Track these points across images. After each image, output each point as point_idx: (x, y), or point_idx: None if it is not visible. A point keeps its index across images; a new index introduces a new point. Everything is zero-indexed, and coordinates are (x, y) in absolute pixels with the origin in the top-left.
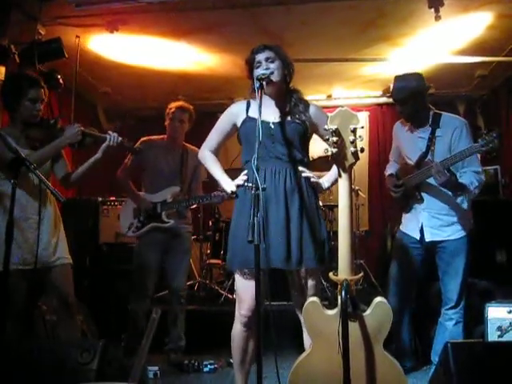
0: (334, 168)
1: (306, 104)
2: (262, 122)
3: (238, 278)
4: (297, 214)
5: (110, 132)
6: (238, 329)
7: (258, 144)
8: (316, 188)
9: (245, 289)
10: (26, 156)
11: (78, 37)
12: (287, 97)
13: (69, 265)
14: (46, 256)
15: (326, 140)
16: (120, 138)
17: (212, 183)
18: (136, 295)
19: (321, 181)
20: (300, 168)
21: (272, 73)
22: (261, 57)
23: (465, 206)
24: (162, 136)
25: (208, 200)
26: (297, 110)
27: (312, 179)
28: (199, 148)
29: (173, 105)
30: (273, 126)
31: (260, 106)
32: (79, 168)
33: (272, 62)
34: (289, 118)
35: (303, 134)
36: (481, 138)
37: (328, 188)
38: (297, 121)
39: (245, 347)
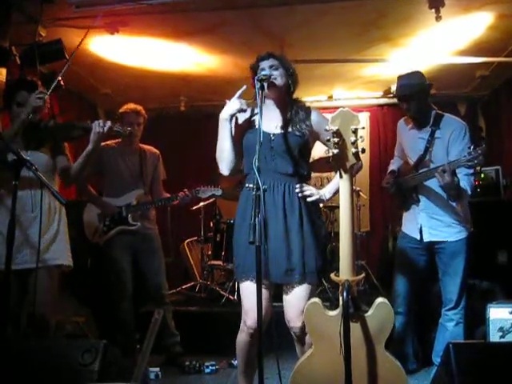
0: (335, 178)
1: (308, 111)
2: (263, 132)
3: (242, 288)
4: (296, 229)
5: (96, 121)
6: (243, 338)
7: (258, 145)
8: (317, 202)
9: (250, 299)
10: None
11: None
12: (289, 106)
13: (58, 267)
14: (34, 255)
15: (329, 141)
16: (108, 123)
17: (171, 182)
18: (117, 298)
19: (322, 192)
20: (297, 187)
21: (275, 78)
22: (265, 64)
23: (461, 207)
24: (116, 140)
25: (173, 201)
26: (297, 118)
27: (309, 199)
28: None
29: (126, 108)
30: (273, 138)
31: (261, 108)
32: (75, 162)
33: (276, 69)
34: (290, 129)
35: (303, 147)
36: (467, 153)
37: (330, 199)
38: (297, 133)
39: (250, 355)
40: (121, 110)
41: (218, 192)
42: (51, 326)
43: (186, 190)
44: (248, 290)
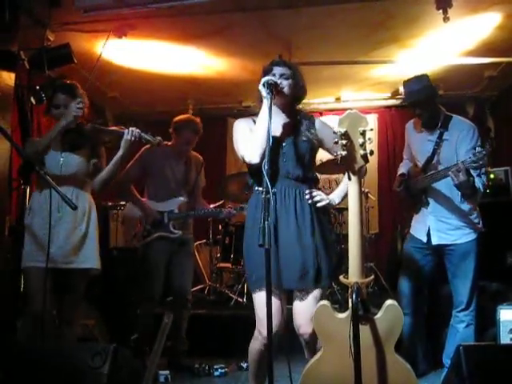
0: (343, 183)
1: (311, 120)
2: (274, 137)
3: (256, 298)
4: (309, 234)
5: (130, 127)
6: (257, 346)
7: (268, 147)
8: (327, 207)
9: (264, 309)
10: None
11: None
12: (295, 116)
13: (89, 271)
14: (61, 256)
15: (335, 145)
16: (138, 131)
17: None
18: (145, 299)
19: (331, 197)
20: (307, 192)
21: (282, 87)
22: (277, 70)
23: (470, 208)
24: (166, 142)
25: (216, 215)
26: (303, 127)
27: (318, 204)
28: (201, 155)
29: (186, 118)
30: (284, 144)
31: (270, 110)
32: (104, 169)
33: (286, 78)
34: (298, 136)
35: (312, 152)
36: (472, 154)
37: (338, 203)
38: (304, 138)
39: (262, 363)
40: (176, 120)
41: None
42: (74, 326)
43: (230, 205)
44: (263, 300)
